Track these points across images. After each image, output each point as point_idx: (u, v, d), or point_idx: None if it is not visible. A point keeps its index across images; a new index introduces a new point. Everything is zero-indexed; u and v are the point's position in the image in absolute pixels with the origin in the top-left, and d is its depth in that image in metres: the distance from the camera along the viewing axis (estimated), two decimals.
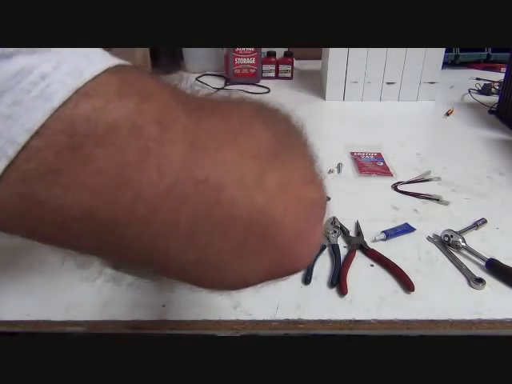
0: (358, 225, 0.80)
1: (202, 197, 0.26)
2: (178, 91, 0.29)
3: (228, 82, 1.50)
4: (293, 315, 0.63)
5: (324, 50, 1.44)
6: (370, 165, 1.01)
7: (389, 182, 0.95)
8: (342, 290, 0.66)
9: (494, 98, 1.32)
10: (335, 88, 1.34)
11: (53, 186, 0.23)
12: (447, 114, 1.27)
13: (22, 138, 0.22)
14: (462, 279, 0.70)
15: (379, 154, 1.06)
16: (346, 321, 0.63)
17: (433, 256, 0.74)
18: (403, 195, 0.91)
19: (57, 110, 0.23)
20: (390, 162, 1.02)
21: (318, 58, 1.51)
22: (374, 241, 0.77)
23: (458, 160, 1.04)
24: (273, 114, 0.35)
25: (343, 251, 0.75)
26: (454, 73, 1.58)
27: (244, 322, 0.62)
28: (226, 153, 0.27)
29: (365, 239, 0.77)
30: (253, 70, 1.49)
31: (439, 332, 0.63)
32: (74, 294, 0.66)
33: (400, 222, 0.81)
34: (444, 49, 1.32)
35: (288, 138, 0.34)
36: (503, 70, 1.41)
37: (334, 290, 0.67)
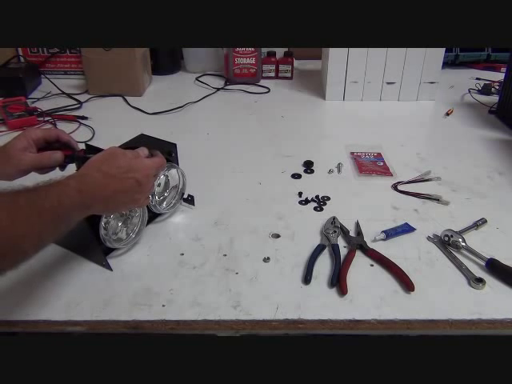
0: (358, 225, 0.81)
1: None
2: None
3: (228, 81, 1.50)
4: (293, 315, 0.63)
5: (324, 49, 1.44)
6: (370, 165, 1.01)
7: (389, 181, 0.95)
8: (342, 290, 0.66)
9: (494, 98, 1.32)
10: (335, 88, 1.34)
11: None
12: (447, 114, 1.27)
13: None
14: (462, 279, 0.70)
15: (379, 154, 1.06)
16: (346, 321, 0.63)
17: (433, 256, 0.74)
18: (403, 195, 0.91)
19: None
20: (390, 162, 1.02)
21: (318, 57, 1.51)
22: (374, 241, 0.77)
23: (458, 160, 1.04)
24: None
25: (343, 251, 0.75)
26: (454, 73, 1.58)
27: (244, 321, 0.62)
28: None
29: (365, 239, 0.77)
30: (253, 70, 1.49)
31: (439, 332, 0.63)
32: (74, 294, 0.66)
33: (400, 222, 0.81)
34: (444, 49, 1.31)
35: None
36: (503, 70, 1.41)
37: (333, 290, 0.67)
